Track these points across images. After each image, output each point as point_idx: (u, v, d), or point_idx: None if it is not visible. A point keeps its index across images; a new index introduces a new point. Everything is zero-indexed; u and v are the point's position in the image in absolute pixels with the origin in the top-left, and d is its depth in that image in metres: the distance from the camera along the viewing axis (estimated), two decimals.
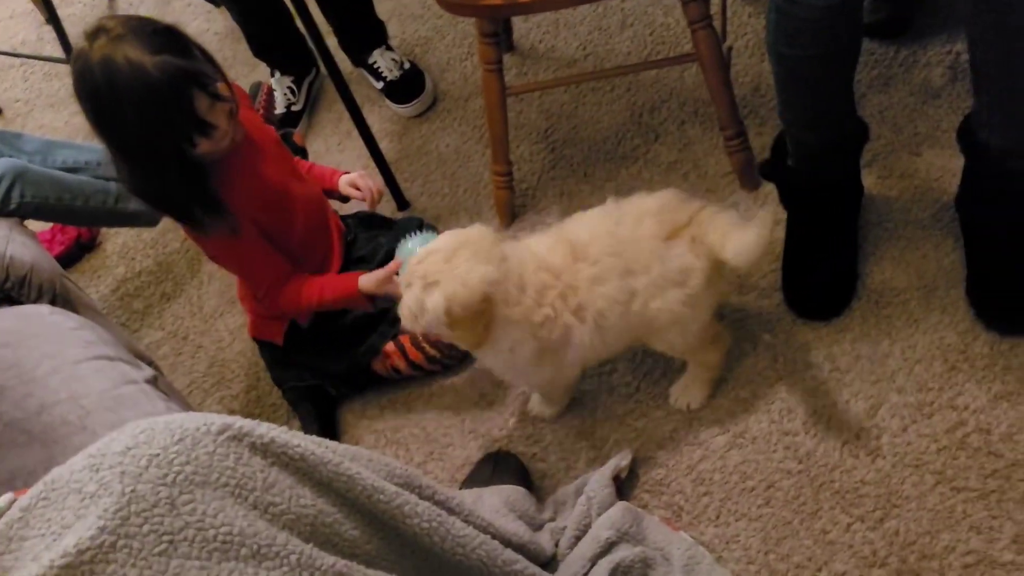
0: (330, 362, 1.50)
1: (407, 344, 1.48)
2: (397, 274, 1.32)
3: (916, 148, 1.55)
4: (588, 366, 1.32)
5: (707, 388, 1.34)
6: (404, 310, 1.20)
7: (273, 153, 1.45)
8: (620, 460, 1.29)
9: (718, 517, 1.25)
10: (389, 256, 1.52)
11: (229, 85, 1.30)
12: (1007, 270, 1.34)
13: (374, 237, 1.56)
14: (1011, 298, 1.33)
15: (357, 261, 1.53)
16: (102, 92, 1.20)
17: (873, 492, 1.22)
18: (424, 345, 1.47)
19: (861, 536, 1.19)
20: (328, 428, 1.49)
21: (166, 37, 1.23)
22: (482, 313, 1.16)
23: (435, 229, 1.40)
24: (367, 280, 1.40)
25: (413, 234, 1.37)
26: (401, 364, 1.48)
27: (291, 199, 1.44)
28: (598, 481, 1.25)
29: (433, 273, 1.16)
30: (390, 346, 1.48)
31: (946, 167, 1.50)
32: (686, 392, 1.35)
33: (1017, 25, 1.15)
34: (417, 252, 1.24)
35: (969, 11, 1.21)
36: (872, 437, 1.27)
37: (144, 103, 1.19)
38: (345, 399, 1.55)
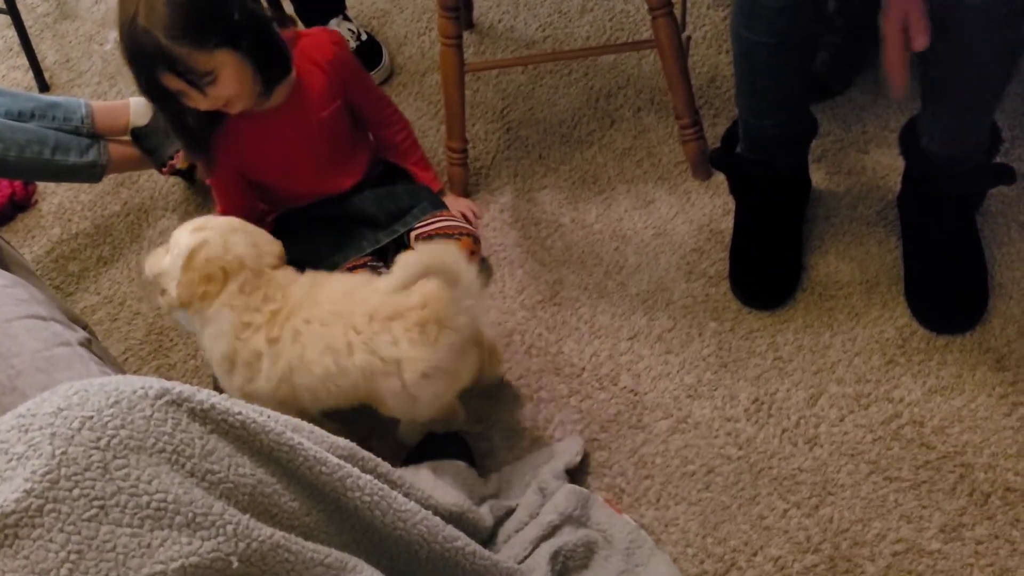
0: None
1: None
2: None
3: (864, 146, 1.58)
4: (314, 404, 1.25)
5: (422, 435, 1.33)
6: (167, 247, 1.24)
7: (304, 137, 1.43)
8: (573, 454, 1.29)
9: (658, 500, 1.26)
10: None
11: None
12: (942, 271, 1.37)
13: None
14: (945, 298, 1.36)
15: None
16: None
17: (809, 480, 1.24)
18: None
19: (796, 522, 1.21)
20: None
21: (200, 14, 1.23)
22: (212, 280, 1.20)
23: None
24: None
25: None
26: None
27: (291, 181, 1.47)
28: (551, 473, 1.25)
29: (210, 227, 1.22)
30: None
31: (892, 166, 1.53)
32: (407, 430, 1.34)
33: (966, 43, 1.18)
34: None
35: None
36: (811, 426, 1.29)
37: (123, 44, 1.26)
38: None
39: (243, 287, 1.21)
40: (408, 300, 1.15)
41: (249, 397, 1.22)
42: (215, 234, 1.21)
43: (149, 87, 1.28)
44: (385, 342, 1.15)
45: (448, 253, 1.13)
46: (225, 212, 1.47)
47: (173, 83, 1.26)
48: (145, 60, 1.24)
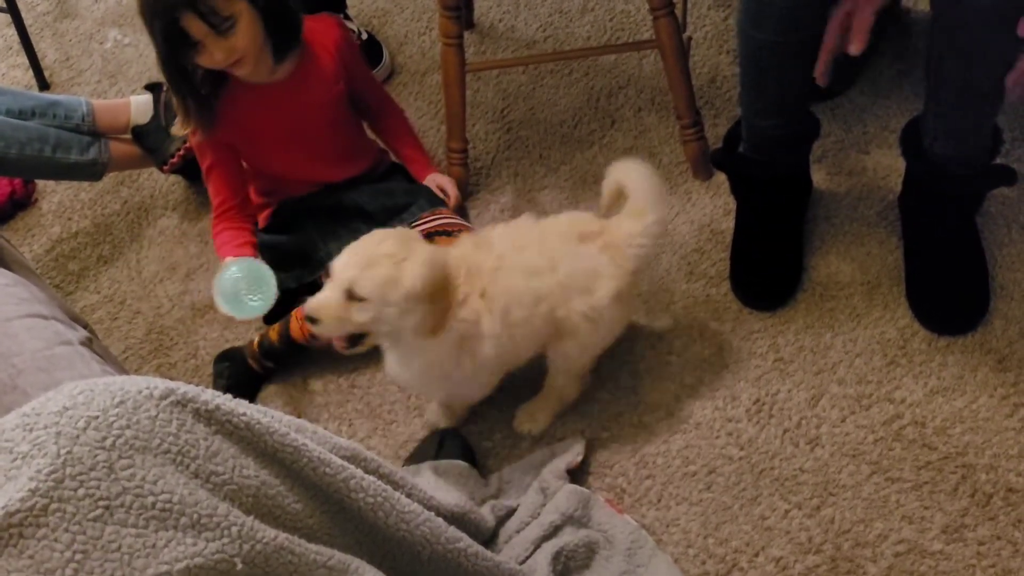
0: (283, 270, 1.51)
1: None
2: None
3: (865, 147, 1.59)
4: (501, 372, 1.28)
5: (551, 418, 1.34)
6: (368, 287, 1.13)
7: (303, 115, 1.44)
8: (574, 454, 1.28)
9: (659, 500, 1.26)
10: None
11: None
12: (943, 271, 1.38)
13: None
14: (946, 299, 1.37)
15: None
16: None
17: (811, 480, 1.25)
18: None
19: (798, 523, 1.21)
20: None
21: None
22: (445, 293, 1.14)
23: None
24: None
25: (233, 264, 1.37)
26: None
27: (287, 161, 1.47)
28: (552, 472, 1.25)
29: (400, 253, 1.13)
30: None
31: (893, 166, 1.53)
32: (531, 418, 1.34)
33: (972, 41, 1.18)
34: (231, 284, 1.30)
35: (930, 24, 1.24)
36: (812, 426, 1.29)
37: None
38: (272, 376, 1.51)
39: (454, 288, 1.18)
40: (590, 225, 1.21)
41: (476, 375, 1.23)
42: (420, 257, 1.13)
43: (167, 36, 1.27)
44: (586, 254, 1.19)
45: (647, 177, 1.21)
46: (221, 201, 1.46)
47: (195, 27, 1.26)
48: (169, 4, 1.25)
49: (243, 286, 1.32)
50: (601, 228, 1.21)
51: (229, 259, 1.40)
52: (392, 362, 1.25)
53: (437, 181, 1.56)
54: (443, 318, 1.16)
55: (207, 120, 1.39)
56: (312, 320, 1.15)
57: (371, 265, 1.13)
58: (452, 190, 1.56)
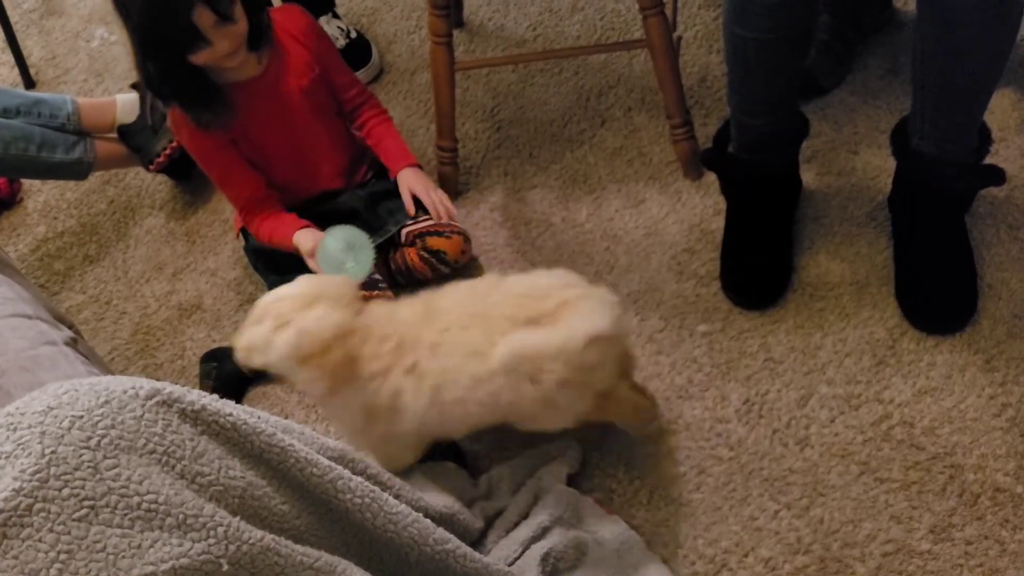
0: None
1: None
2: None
3: (854, 147, 1.59)
4: (433, 440, 1.23)
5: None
6: (246, 343, 1.17)
7: (288, 106, 1.45)
8: (574, 461, 1.28)
9: (649, 502, 1.26)
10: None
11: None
12: (932, 272, 1.38)
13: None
14: (935, 299, 1.37)
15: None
16: None
17: (800, 480, 1.25)
18: None
19: (787, 523, 1.21)
20: None
21: None
22: (333, 358, 1.13)
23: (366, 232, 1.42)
24: (301, 238, 1.43)
25: (335, 231, 1.40)
26: None
27: (281, 159, 1.48)
28: (552, 475, 1.24)
29: (287, 315, 1.14)
30: None
31: (883, 167, 1.54)
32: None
33: (957, 42, 1.19)
34: (332, 250, 1.35)
35: (915, 25, 1.24)
36: (801, 427, 1.29)
37: None
38: (260, 380, 1.50)
39: (347, 353, 1.14)
40: (544, 305, 1.12)
41: (391, 441, 1.20)
42: (302, 321, 1.13)
43: (178, 35, 1.28)
44: (530, 340, 1.13)
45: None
46: (249, 189, 1.46)
47: (204, 18, 1.27)
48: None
49: (344, 255, 1.38)
50: (555, 305, 1.12)
51: (331, 228, 1.41)
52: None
53: (410, 185, 1.49)
54: (330, 382, 1.15)
55: (220, 106, 1.39)
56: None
57: (260, 321, 1.16)
58: (429, 197, 1.48)
